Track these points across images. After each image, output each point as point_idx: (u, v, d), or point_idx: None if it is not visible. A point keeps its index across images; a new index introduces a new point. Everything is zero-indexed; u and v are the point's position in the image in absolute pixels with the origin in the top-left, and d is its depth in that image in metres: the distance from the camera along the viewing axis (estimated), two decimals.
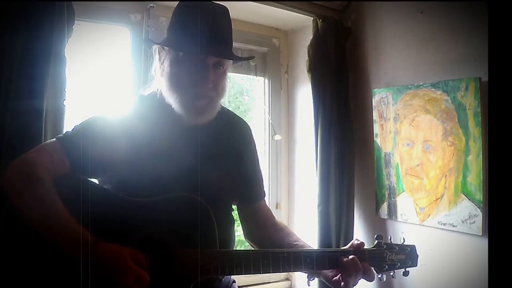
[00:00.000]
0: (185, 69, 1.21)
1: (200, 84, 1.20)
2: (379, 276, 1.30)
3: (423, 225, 2.03)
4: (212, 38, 1.21)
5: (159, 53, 1.28)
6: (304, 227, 2.48)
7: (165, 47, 1.26)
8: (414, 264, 1.34)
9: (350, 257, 1.23)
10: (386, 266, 1.30)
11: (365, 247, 1.30)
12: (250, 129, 1.48)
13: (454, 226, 1.91)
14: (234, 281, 1.43)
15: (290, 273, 2.61)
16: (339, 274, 1.23)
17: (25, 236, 1.08)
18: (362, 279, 1.26)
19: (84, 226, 1.06)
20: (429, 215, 2.01)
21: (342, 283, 1.22)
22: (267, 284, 2.51)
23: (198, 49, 1.18)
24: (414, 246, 1.36)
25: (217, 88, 1.24)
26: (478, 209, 1.83)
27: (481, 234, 1.81)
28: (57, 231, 1.06)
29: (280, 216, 2.55)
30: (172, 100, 1.23)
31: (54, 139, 1.23)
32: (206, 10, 1.23)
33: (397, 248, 1.32)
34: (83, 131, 1.22)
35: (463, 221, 1.88)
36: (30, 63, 1.52)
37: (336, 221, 2.25)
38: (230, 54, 1.27)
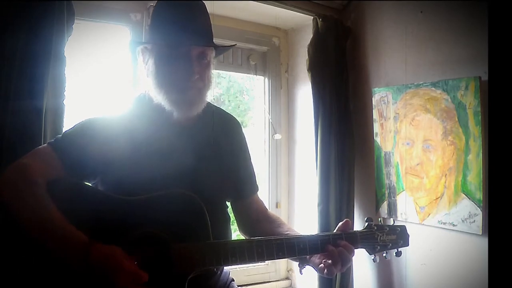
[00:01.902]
0: (169, 64, 1.23)
1: (186, 76, 1.22)
2: (372, 257, 1.31)
3: (423, 224, 2.04)
4: (192, 29, 1.23)
5: (142, 54, 1.29)
6: (304, 226, 2.48)
7: (148, 48, 1.27)
8: (405, 244, 1.36)
9: (338, 248, 1.23)
10: (378, 247, 1.31)
11: (356, 230, 1.32)
12: (240, 125, 1.50)
13: (454, 225, 1.91)
14: (232, 280, 1.43)
15: (290, 272, 2.62)
16: (323, 264, 1.23)
17: (20, 240, 1.08)
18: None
19: (79, 228, 1.07)
20: (429, 214, 2.01)
21: (326, 271, 1.22)
22: (267, 284, 2.52)
23: (181, 41, 1.21)
24: (404, 226, 1.37)
25: (204, 79, 1.26)
26: (478, 208, 1.83)
27: (481, 233, 1.81)
28: (51, 234, 1.06)
29: (280, 215, 2.54)
30: (160, 97, 1.25)
31: (46, 144, 1.24)
32: (183, 5, 1.26)
33: (387, 229, 1.34)
34: (74, 135, 1.23)
35: (463, 220, 1.88)
36: (30, 63, 1.52)
37: (336, 221, 2.24)
38: (211, 43, 1.29)
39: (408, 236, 1.36)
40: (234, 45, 1.50)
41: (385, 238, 1.32)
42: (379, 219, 1.36)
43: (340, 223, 1.31)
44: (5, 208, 1.09)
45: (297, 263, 1.30)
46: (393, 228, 1.35)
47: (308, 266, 1.28)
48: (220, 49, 1.36)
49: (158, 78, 1.24)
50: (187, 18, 1.24)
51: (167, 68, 1.23)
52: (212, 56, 1.30)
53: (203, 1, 1.31)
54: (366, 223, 1.33)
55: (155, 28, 1.29)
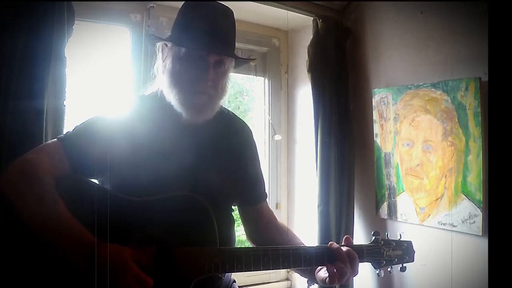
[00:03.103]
0: (186, 65, 1.22)
1: (199, 80, 1.21)
2: (377, 272, 1.31)
3: (423, 225, 2.04)
4: (214, 36, 1.22)
5: (162, 50, 1.29)
6: (304, 227, 2.48)
7: (168, 45, 1.27)
8: (411, 259, 1.36)
9: (344, 248, 1.24)
10: (384, 262, 1.31)
11: (363, 243, 1.31)
12: (251, 131, 1.49)
13: (454, 226, 1.91)
14: (234, 281, 1.43)
15: (290, 273, 2.61)
16: (335, 269, 1.22)
17: (24, 237, 1.07)
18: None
19: (85, 226, 1.06)
20: (429, 215, 2.01)
21: (337, 275, 1.20)
22: (267, 284, 2.52)
23: (200, 46, 1.20)
24: (411, 241, 1.37)
25: (217, 86, 1.25)
26: (478, 209, 1.83)
27: (481, 234, 1.81)
28: (58, 231, 1.05)
29: (280, 216, 2.55)
30: (171, 96, 1.24)
31: (55, 139, 1.23)
32: (210, 9, 1.25)
33: (394, 244, 1.33)
34: (83, 131, 1.22)
35: (463, 221, 1.88)
36: (30, 63, 1.52)
37: (336, 221, 2.25)
38: (231, 53, 1.28)
39: (414, 252, 1.36)
40: (254, 59, 1.49)
41: (391, 253, 1.32)
42: (386, 233, 1.36)
43: (343, 240, 1.30)
44: (9, 203, 1.07)
45: (306, 279, 1.30)
46: (400, 243, 1.35)
47: (315, 284, 1.28)
48: (240, 61, 1.35)
49: (172, 77, 1.23)
50: (211, 24, 1.23)
51: (182, 69, 1.22)
52: (230, 65, 1.29)
53: (231, 8, 1.29)
54: (373, 237, 1.33)
55: (178, 28, 1.28)
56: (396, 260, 1.32)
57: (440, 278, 1.99)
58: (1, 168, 1.34)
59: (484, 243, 1.79)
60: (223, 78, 1.27)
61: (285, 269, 2.61)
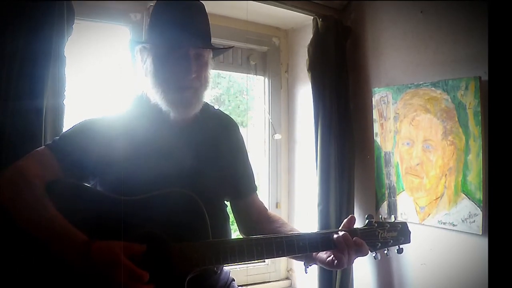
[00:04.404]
0: (167, 63, 1.24)
1: (183, 75, 1.23)
2: (373, 255, 1.31)
3: (423, 224, 2.04)
4: (191, 30, 1.25)
5: (140, 53, 1.30)
6: (304, 226, 2.48)
7: (146, 47, 1.28)
8: (407, 240, 1.35)
9: (341, 233, 1.24)
10: (379, 244, 1.31)
11: (357, 227, 1.32)
12: (237, 126, 1.52)
13: (454, 225, 1.91)
14: (233, 279, 1.43)
15: (290, 272, 2.62)
16: (333, 255, 1.23)
17: (19, 240, 1.09)
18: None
19: (78, 229, 1.08)
20: (429, 214, 2.01)
21: (336, 261, 1.22)
22: (267, 283, 2.52)
23: (179, 41, 1.23)
24: (406, 222, 1.37)
25: (200, 78, 1.27)
26: (478, 208, 1.83)
27: (481, 233, 1.81)
28: (50, 232, 1.07)
29: (280, 216, 2.55)
30: (157, 96, 1.26)
31: (43, 146, 1.25)
32: (182, 5, 1.27)
33: (388, 226, 1.33)
34: (71, 136, 1.24)
35: (463, 220, 1.88)
36: (30, 63, 1.52)
37: (336, 221, 2.25)
38: (209, 44, 1.31)
39: (410, 232, 1.36)
40: (231, 47, 1.52)
41: (386, 235, 1.32)
42: (380, 216, 1.36)
43: (345, 220, 1.31)
44: (4, 209, 1.09)
45: (302, 262, 1.30)
46: (394, 224, 1.35)
47: (314, 264, 1.28)
48: (218, 51, 1.37)
49: (156, 77, 1.25)
50: (186, 18, 1.25)
51: (164, 68, 1.24)
52: (209, 56, 1.31)
53: (202, 2, 1.32)
54: (367, 220, 1.33)
55: (153, 28, 1.30)
56: (391, 241, 1.33)
57: (440, 277, 1.99)
58: (1, 167, 1.34)
59: (484, 242, 1.79)
60: (205, 69, 1.29)
61: (286, 269, 2.62)
